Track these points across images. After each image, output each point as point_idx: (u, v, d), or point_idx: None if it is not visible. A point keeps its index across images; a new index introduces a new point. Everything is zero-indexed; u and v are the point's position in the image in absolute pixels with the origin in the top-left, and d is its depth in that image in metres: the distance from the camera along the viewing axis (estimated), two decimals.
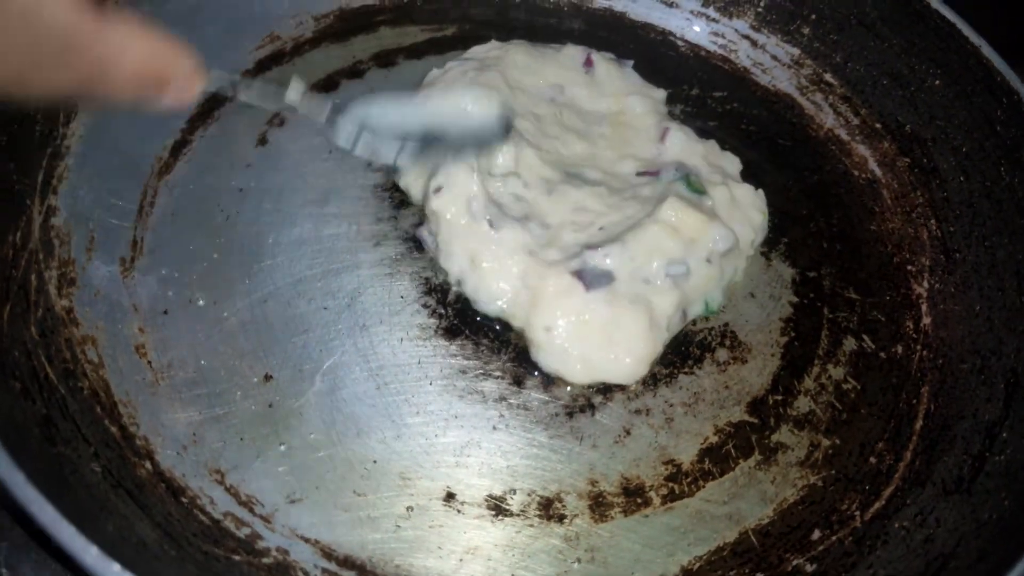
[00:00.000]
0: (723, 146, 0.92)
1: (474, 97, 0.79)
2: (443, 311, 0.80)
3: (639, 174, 0.87)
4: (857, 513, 0.74)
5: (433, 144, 0.74)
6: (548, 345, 0.76)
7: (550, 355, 0.76)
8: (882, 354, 0.84)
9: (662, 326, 0.78)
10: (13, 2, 0.43)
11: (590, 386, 0.77)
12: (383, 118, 0.71)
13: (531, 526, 0.70)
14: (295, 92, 0.65)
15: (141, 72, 0.49)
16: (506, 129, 0.80)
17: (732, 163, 0.91)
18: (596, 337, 0.76)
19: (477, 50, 0.95)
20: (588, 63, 0.95)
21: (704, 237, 0.80)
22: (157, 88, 0.51)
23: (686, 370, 0.80)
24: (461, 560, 0.68)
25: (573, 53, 0.96)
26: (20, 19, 0.43)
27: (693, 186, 0.85)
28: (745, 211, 0.87)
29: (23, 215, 0.76)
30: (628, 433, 0.76)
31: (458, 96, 0.79)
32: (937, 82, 0.93)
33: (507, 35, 1.00)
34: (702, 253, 0.81)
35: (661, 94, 0.95)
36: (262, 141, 0.89)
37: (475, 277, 0.79)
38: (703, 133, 0.92)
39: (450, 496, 0.71)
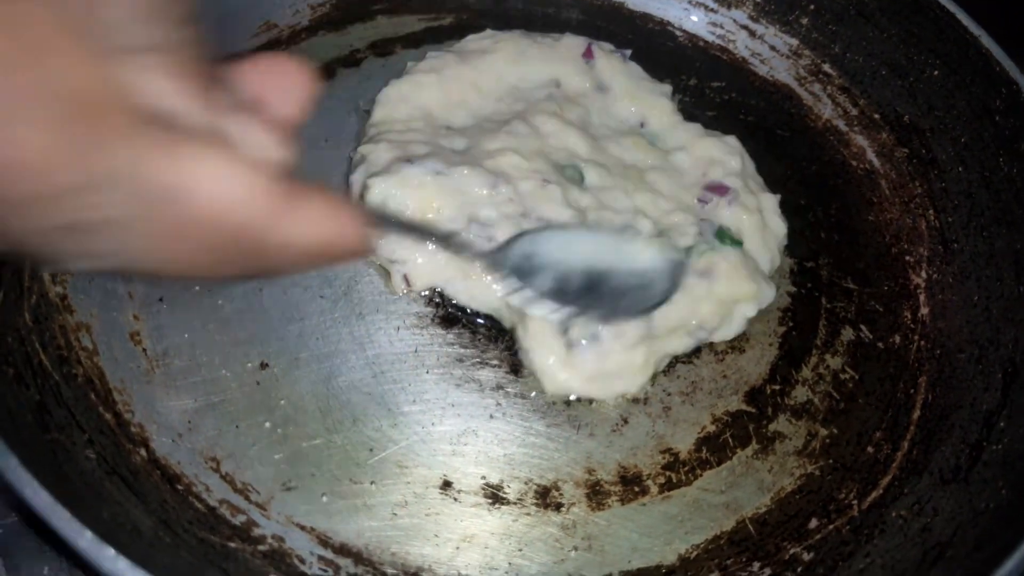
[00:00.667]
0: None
1: (648, 244, 0.74)
2: (439, 299, 0.79)
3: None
4: (854, 502, 0.73)
5: (593, 291, 0.69)
6: (531, 364, 0.76)
7: (534, 365, 0.76)
8: (880, 344, 0.84)
9: (663, 356, 0.78)
10: (201, 207, 0.35)
11: None
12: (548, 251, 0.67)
13: (528, 514, 0.70)
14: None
15: (320, 252, 0.42)
16: (675, 285, 0.73)
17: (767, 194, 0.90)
18: (587, 369, 0.74)
19: (471, 39, 0.95)
20: (588, 54, 0.95)
21: (747, 304, 0.80)
22: (330, 261, 0.44)
23: (684, 359, 0.79)
24: (458, 548, 0.68)
25: (572, 44, 0.96)
26: (200, 226, 0.36)
27: (728, 239, 0.82)
28: (772, 238, 0.86)
29: None
30: (625, 422, 0.75)
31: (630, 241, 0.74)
32: (936, 72, 0.93)
33: (504, 24, 0.99)
34: (737, 314, 0.80)
35: (667, 88, 0.95)
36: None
37: (465, 287, 0.79)
38: (702, 124, 0.92)
39: (447, 484, 0.71)
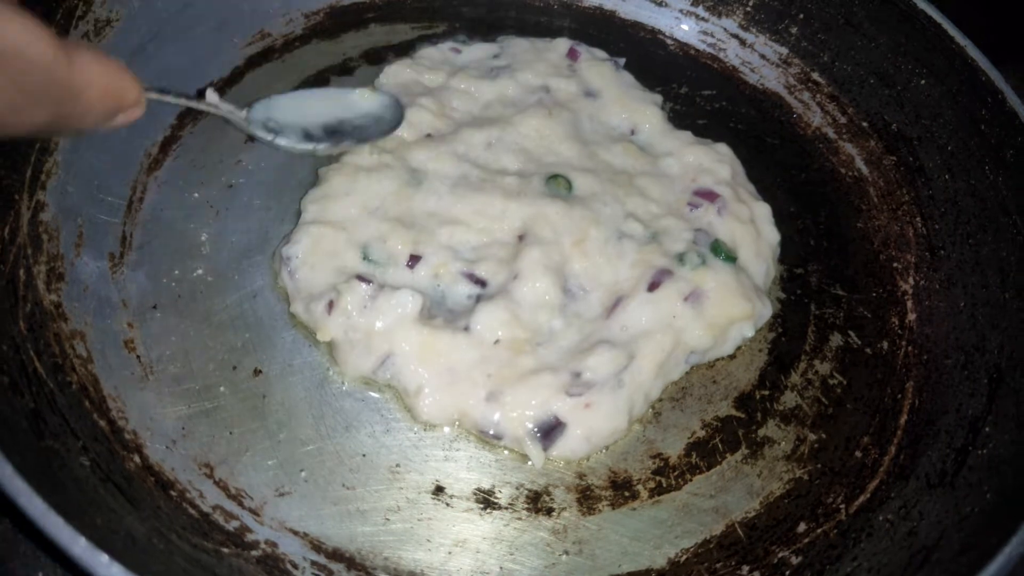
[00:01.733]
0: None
1: (363, 93, 0.85)
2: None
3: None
4: (842, 506, 0.74)
5: (337, 134, 0.80)
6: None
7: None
8: (868, 350, 0.84)
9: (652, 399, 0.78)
10: (5, 43, 0.46)
11: None
12: (287, 114, 0.79)
13: (519, 519, 0.71)
14: (212, 97, 0.74)
15: (104, 98, 0.54)
16: (400, 114, 0.86)
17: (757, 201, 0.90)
18: (572, 449, 0.73)
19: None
20: (572, 55, 0.96)
21: (744, 324, 0.80)
22: (115, 111, 0.55)
23: None
24: (450, 553, 0.69)
25: (560, 46, 0.97)
26: (6, 60, 0.46)
27: (722, 252, 0.82)
28: (766, 248, 0.86)
29: (11, 210, 0.76)
30: None
31: (349, 92, 0.85)
32: (923, 82, 0.94)
33: (497, 33, 1.00)
34: (733, 333, 0.80)
35: (657, 99, 0.96)
36: (251, 137, 0.89)
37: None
38: (692, 132, 0.93)
39: (439, 489, 0.71)
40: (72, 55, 0.50)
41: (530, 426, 0.72)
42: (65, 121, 0.52)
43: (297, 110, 0.80)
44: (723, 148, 0.92)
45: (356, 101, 0.84)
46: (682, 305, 0.77)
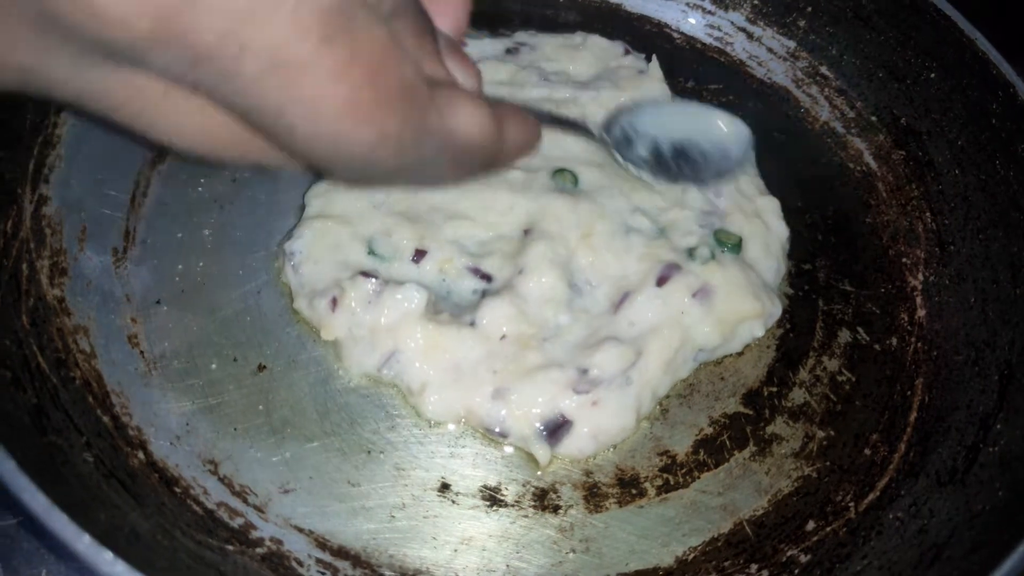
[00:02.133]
0: None
1: (726, 118, 0.83)
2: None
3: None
4: (851, 504, 0.74)
5: (682, 157, 0.81)
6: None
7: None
8: (877, 346, 0.84)
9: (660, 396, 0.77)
10: (465, 140, 0.50)
11: None
12: (646, 123, 0.81)
13: (526, 517, 0.70)
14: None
15: (519, 154, 0.57)
16: (747, 156, 0.84)
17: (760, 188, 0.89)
18: (577, 448, 0.73)
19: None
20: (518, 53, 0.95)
21: (754, 322, 0.79)
22: (518, 159, 0.59)
23: None
24: (456, 551, 0.68)
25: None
26: (454, 149, 0.50)
27: (726, 243, 0.81)
28: (776, 243, 0.85)
29: (14, 204, 0.75)
30: None
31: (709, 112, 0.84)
32: (933, 75, 0.93)
33: (502, 27, 0.99)
34: (743, 331, 0.79)
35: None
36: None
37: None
38: None
39: (445, 486, 0.71)
40: (502, 124, 0.52)
41: (537, 425, 0.71)
42: (484, 173, 0.57)
43: (655, 121, 0.81)
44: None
45: (713, 124, 0.83)
46: (690, 301, 0.77)
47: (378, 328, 0.73)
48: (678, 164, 0.81)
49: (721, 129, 0.82)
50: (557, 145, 0.87)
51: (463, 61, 0.53)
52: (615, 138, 0.81)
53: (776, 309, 0.82)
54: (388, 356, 0.73)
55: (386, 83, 0.42)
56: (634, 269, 0.78)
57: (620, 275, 0.78)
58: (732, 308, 0.78)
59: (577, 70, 0.94)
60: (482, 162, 0.53)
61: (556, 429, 0.72)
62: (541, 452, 0.71)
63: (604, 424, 0.72)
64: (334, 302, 0.74)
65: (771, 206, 0.87)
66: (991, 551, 0.63)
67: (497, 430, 0.72)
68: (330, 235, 0.78)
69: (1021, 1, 1.07)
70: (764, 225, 0.85)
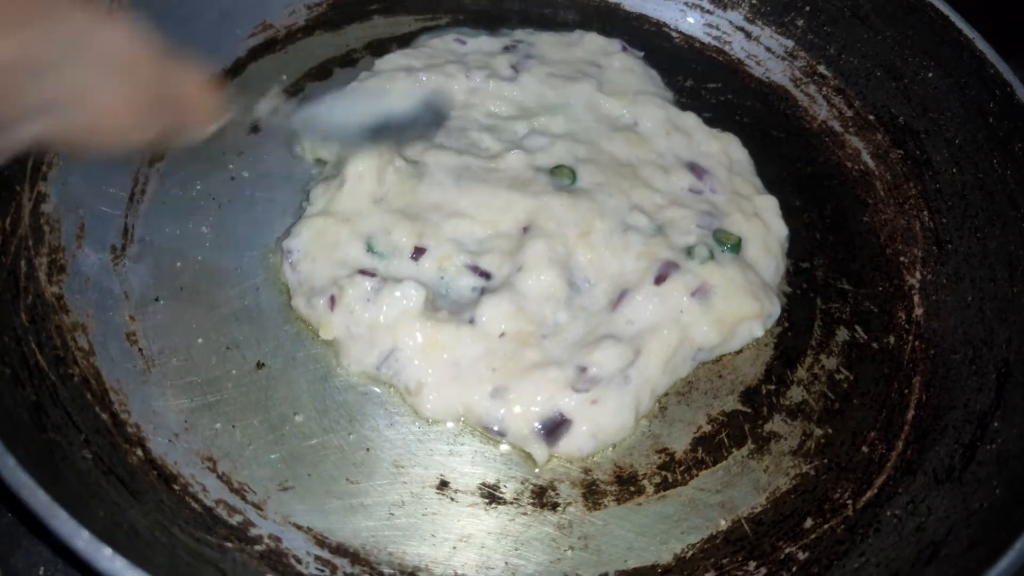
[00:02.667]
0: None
1: (401, 93, 0.84)
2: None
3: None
4: (849, 502, 0.74)
5: (379, 136, 0.78)
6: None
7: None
8: (874, 344, 0.84)
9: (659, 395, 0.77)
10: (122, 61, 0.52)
11: None
12: (327, 122, 0.76)
13: (524, 514, 0.70)
14: (267, 105, 0.72)
15: (196, 109, 0.58)
16: (445, 111, 0.83)
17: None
18: (576, 447, 0.73)
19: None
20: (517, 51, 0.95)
21: (753, 322, 0.79)
22: (199, 122, 0.60)
23: None
24: (454, 548, 0.68)
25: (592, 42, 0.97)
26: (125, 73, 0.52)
27: (725, 243, 0.81)
28: (775, 242, 0.86)
29: (12, 201, 0.75)
30: None
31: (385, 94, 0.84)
32: (930, 74, 0.94)
33: (500, 25, 1.00)
34: (743, 332, 0.80)
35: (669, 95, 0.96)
36: (254, 129, 0.88)
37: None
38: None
39: (444, 484, 0.71)
40: (176, 67, 0.55)
41: (536, 425, 0.71)
42: (172, 131, 0.57)
43: (340, 114, 0.77)
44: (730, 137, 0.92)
45: (395, 100, 0.82)
46: (689, 300, 0.77)
47: (377, 326, 0.73)
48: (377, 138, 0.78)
49: (411, 99, 0.81)
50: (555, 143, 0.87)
51: None
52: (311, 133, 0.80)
53: (775, 309, 0.82)
54: (387, 354, 0.73)
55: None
56: (632, 267, 0.79)
57: (619, 273, 0.78)
58: (731, 308, 0.78)
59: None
60: (162, 102, 0.55)
61: (555, 428, 0.72)
62: (539, 451, 0.71)
63: (603, 422, 0.72)
64: (332, 301, 0.74)
65: (770, 205, 0.88)
66: (988, 548, 0.63)
67: (496, 428, 0.72)
68: (328, 233, 0.78)
69: (1018, 1, 1.08)
70: (763, 224, 0.85)
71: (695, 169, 0.87)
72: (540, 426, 0.71)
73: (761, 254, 0.84)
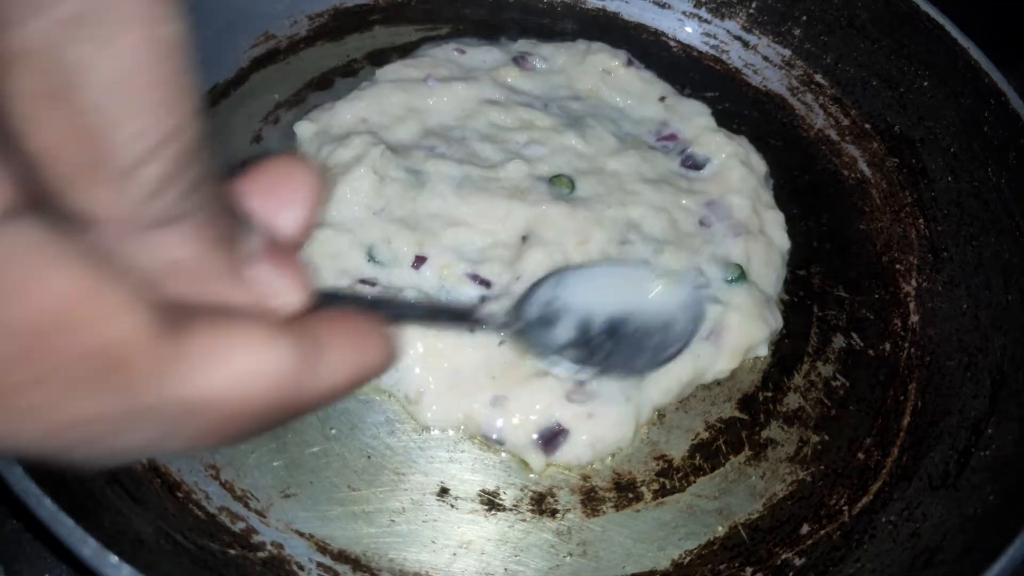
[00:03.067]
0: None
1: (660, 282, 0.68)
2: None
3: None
4: (845, 508, 0.75)
5: (617, 336, 0.65)
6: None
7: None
8: (870, 351, 0.85)
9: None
10: (232, 405, 0.31)
11: None
12: (574, 294, 0.64)
13: (524, 521, 0.71)
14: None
15: (357, 381, 0.36)
16: (696, 324, 0.69)
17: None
18: (575, 455, 0.73)
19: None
20: (522, 62, 0.96)
21: (759, 346, 0.81)
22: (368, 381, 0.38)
23: None
24: (455, 554, 0.69)
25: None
26: (241, 412, 0.31)
27: (731, 276, 0.81)
28: (776, 255, 0.86)
29: None
30: None
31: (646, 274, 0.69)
32: (926, 83, 0.95)
33: (500, 35, 1.01)
34: (750, 354, 0.81)
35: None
36: (257, 139, 0.90)
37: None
38: None
39: (444, 491, 0.72)
40: (318, 355, 0.33)
41: (534, 436, 0.72)
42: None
43: (585, 290, 0.65)
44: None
45: (650, 292, 0.67)
46: (705, 343, 0.77)
47: None
48: (611, 345, 0.65)
49: (666, 298, 0.67)
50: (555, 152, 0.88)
51: (286, 272, 0.35)
52: (528, 320, 0.63)
53: (779, 324, 0.83)
54: None
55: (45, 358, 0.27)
56: None
57: None
58: (744, 338, 0.79)
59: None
60: (281, 412, 0.33)
61: (552, 437, 0.72)
62: (536, 460, 0.72)
63: (601, 433, 0.73)
64: None
65: (776, 219, 0.88)
66: (983, 554, 0.64)
67: (495, 437, 0.73)
68: (330, 243, 0.79)
69: (1013, 11, 1.09)
70: (767, 239, 0.86)
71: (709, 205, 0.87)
72: (538, 436, 0.72)
73: (764, 270, 0.85)
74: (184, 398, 0.29)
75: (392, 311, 0.47)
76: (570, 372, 0.64)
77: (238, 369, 0.30)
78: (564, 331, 0.64)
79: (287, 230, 0.37)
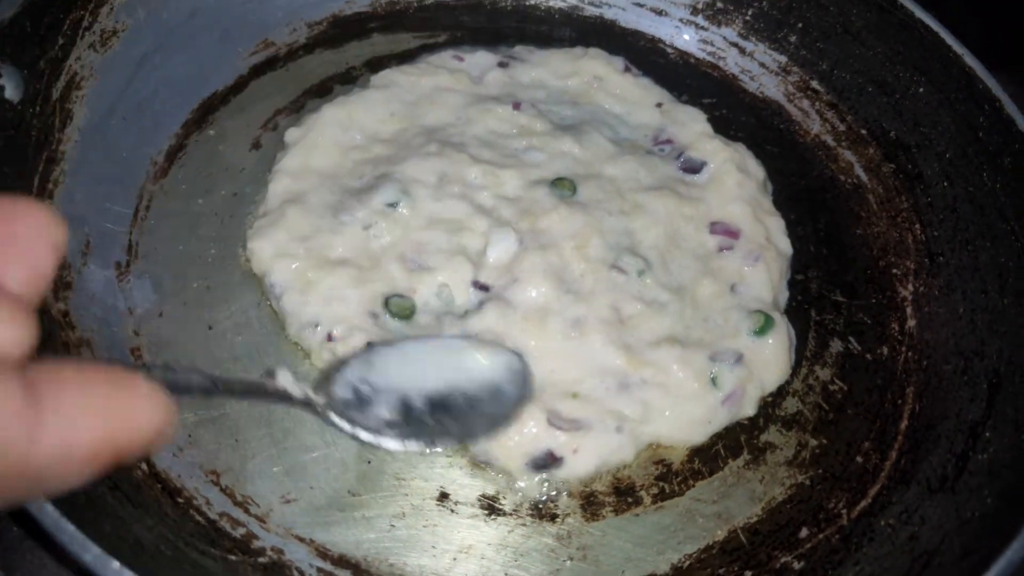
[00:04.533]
0: None
1: (489, 352, 0.68)
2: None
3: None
4: (844, 511, 0.75)
5: (442, 410, 0.64)
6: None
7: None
8: (868, 355, 0.85)
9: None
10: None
11: None
12: (386, 374, 0.62)
13: (524, 525, 0.71)
14: (285, 378, 0.58)
15: (105, 445, 0.34)
16: (527, 389, 0.68)
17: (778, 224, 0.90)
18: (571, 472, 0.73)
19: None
20: (520, 68, 0.97)
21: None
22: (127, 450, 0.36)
23: None
24: (455, 559, 0.69)
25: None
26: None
27: (755, 328, 0.80)
28: (782, 260, 0.87)
29: None
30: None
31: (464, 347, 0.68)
32: (921, 89, 0.95)
33: (498, 42, 1.01)
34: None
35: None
36: (256, 145, 0.90)
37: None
38: None
39: (444, 496, 0.72)
40: (46, 404, 0.31)
41: (524, 463, 0.72)
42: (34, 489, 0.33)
43: (398, 369, 0.63)
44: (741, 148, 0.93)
45: (474, 363, 0.66)
46: (721, 405, 0.77)
47: None
48: (437, 420, 0.63)
49: (488, 366, 0.67)
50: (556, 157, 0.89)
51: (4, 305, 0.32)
52: (339, 400, 0.61)
53: (793, 339, 0.83)
54: None
55: None
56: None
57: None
58: (768, 387, 0.80)
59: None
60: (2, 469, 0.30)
61: (544, 465, 0.72)
62: (529, 481, 0.72)
63: (600, 452, 0.73)
64: (329, 337, 0.75)
65: (778, 225, 0.89)
66: (980, 557, 0.64)
67: (483, 459, 0.73)
68: (308, 273, 0.78)
69: (1007, 17, 1.09)
70: (772, 246, 0.86)
71: (722, 231, 0.87)
72: (529, 462, 0.72)
73: (780, 283, 0.86)
74: None
75: (174, 380, 0.45)
76: (397, 447, 0.61)
77: None
78: (383, 410, 0.62)
79: (15, 288, 0.33)
